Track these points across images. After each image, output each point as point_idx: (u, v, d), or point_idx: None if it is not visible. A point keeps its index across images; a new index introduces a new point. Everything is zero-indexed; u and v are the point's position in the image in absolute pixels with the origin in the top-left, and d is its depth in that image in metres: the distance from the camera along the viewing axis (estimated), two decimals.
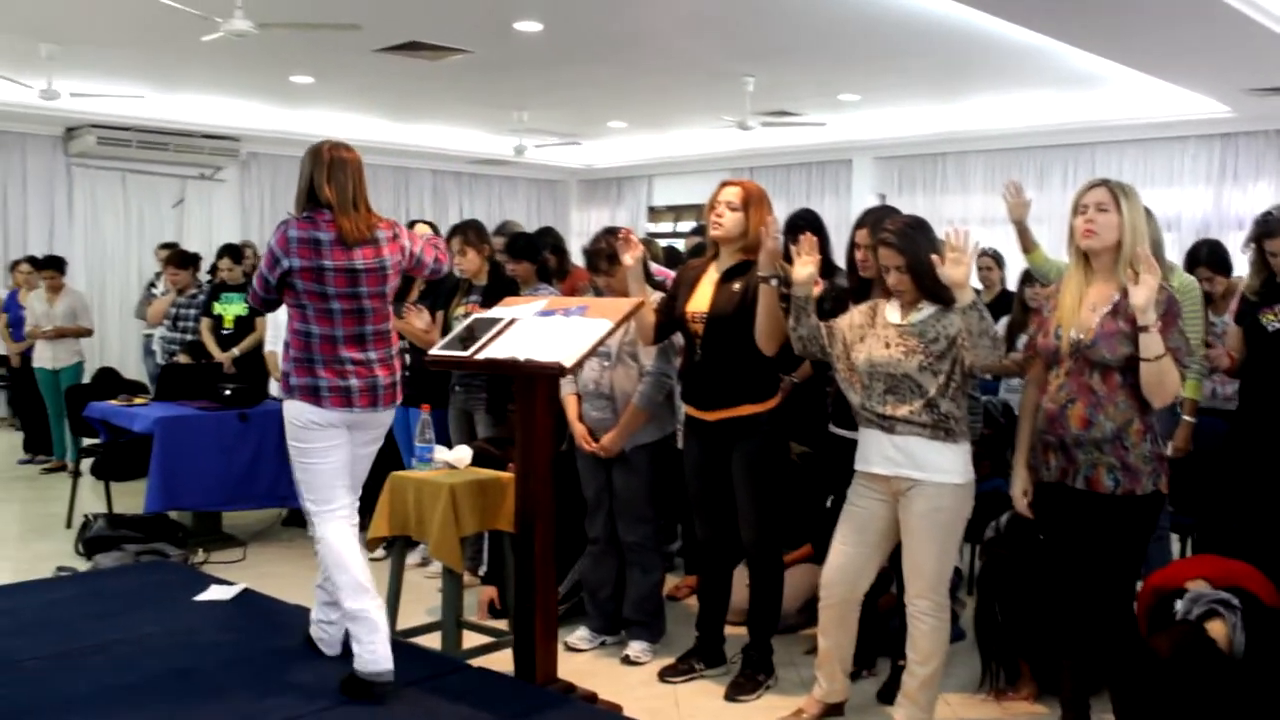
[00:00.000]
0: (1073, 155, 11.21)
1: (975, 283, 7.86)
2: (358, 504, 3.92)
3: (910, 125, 11.64)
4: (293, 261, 3.67)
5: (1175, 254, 9.36)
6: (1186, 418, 4.81)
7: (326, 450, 3.77)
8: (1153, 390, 3.38)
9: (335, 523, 3.78)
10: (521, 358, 3.81)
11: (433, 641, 4.42)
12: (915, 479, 3.65)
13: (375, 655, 3.61)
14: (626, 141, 13.69)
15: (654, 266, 5.84)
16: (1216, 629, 3.41)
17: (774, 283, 3.97)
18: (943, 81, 9.60)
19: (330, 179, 3.69)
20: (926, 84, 9.73)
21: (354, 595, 3.66)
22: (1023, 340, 5.40)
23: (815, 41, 8.14)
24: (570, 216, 15.98)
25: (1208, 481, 4.65)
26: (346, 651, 3.85)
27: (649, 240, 7.87)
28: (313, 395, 3.73)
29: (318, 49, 8.51)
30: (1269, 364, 4.26)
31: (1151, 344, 3.32)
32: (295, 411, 3.75)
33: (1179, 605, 3.55)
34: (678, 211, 14.69)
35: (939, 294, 3.65)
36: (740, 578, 4.48)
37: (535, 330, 3.97)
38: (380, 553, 5.63)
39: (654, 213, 15.30)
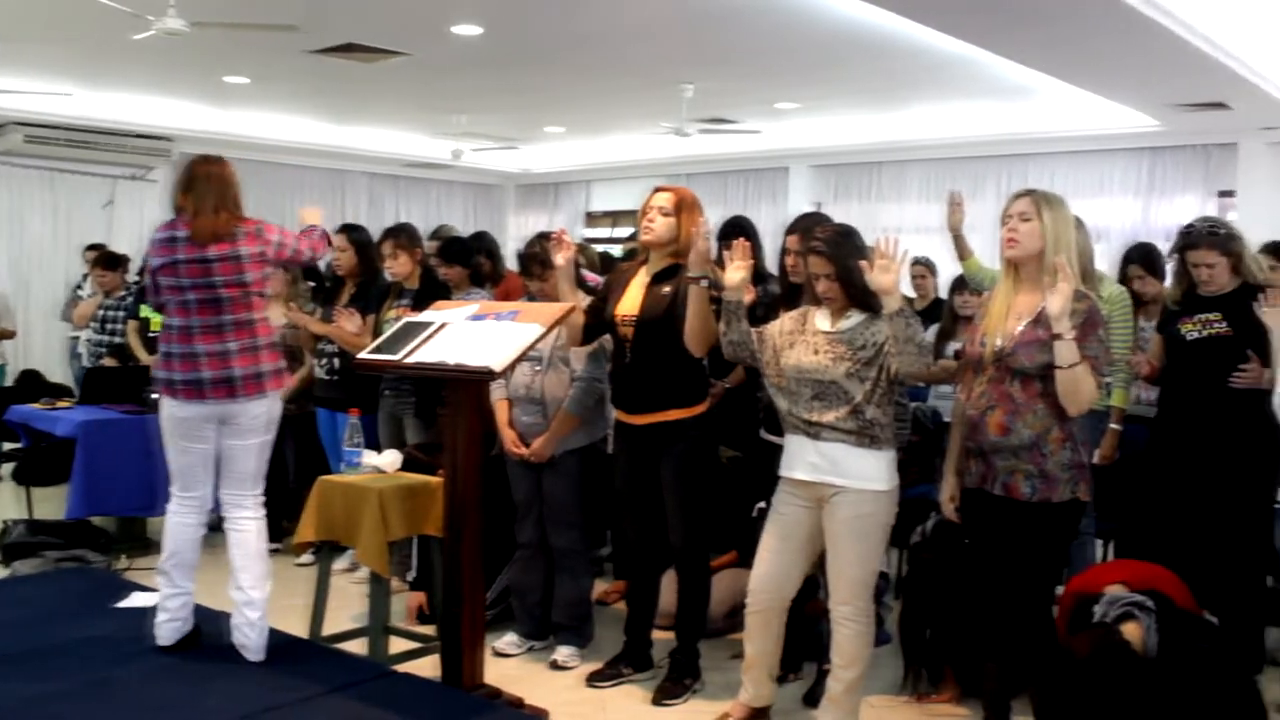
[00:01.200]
0: (1006, 166, 11.35)
1: (909, 291, 8.00)
2: (258, 498, 4.10)
3: (846, 134, 11.72)
4: (153, 261, 3.94)
5: (1104, 264, 9.56)
6: (1114, 426, 4.89)
7: (188, 443, 3.96)
8: (1067, 398, 3.44)
9: (182, 511, 4.02)
10: (451, 362, 3.80)
11: (359, 647, 4.37)
12: (839, 485, 3.68)
13: (159, 632, 3.99)
14: (564, 146, 13.67)
15: (585, 272, 5.84)
16: (1131, 630, 3.47)
17: (704, 283, 3.98)
18: (879, 91, 9.69)
19: (189, 190, 3.94)
20: (863, 93, 9.81)
21: (158, 572, 4.00)
22: (951, 348, 5.49)
23: (753, 50, 8.17)
24: (507, 221, 15.92)
25: (1129, 487, 4.72)
26: (271, 659, 3.83)
27: (584, 246, 7.87)
28: (169, 388, 3.92)
29: (252, 49, 8.42)
30: (1187, 373, 4.34)
31: (1065, 352, 3.38)
32: (161, 405, 3.97)
33: (1097, 608, 3.60)
34: (615, 217, 14.69)
35: (868, 301, 3.69)
36: (669, 582, 4.49)
37: (465, 334, 3.96)
38: (308, 558, 5.57)
39: (591, 218, 15.30)
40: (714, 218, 5.06)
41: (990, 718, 3.76)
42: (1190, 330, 4.33)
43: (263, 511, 4.10)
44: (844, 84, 9.39)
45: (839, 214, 10.27)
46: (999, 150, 11.32)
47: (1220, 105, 8.93)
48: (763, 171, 13.35)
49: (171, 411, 3.93)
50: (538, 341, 3.91)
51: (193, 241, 3.88)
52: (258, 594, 3.97)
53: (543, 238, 4.69)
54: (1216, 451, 4.21)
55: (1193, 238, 4.34)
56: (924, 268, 7.91)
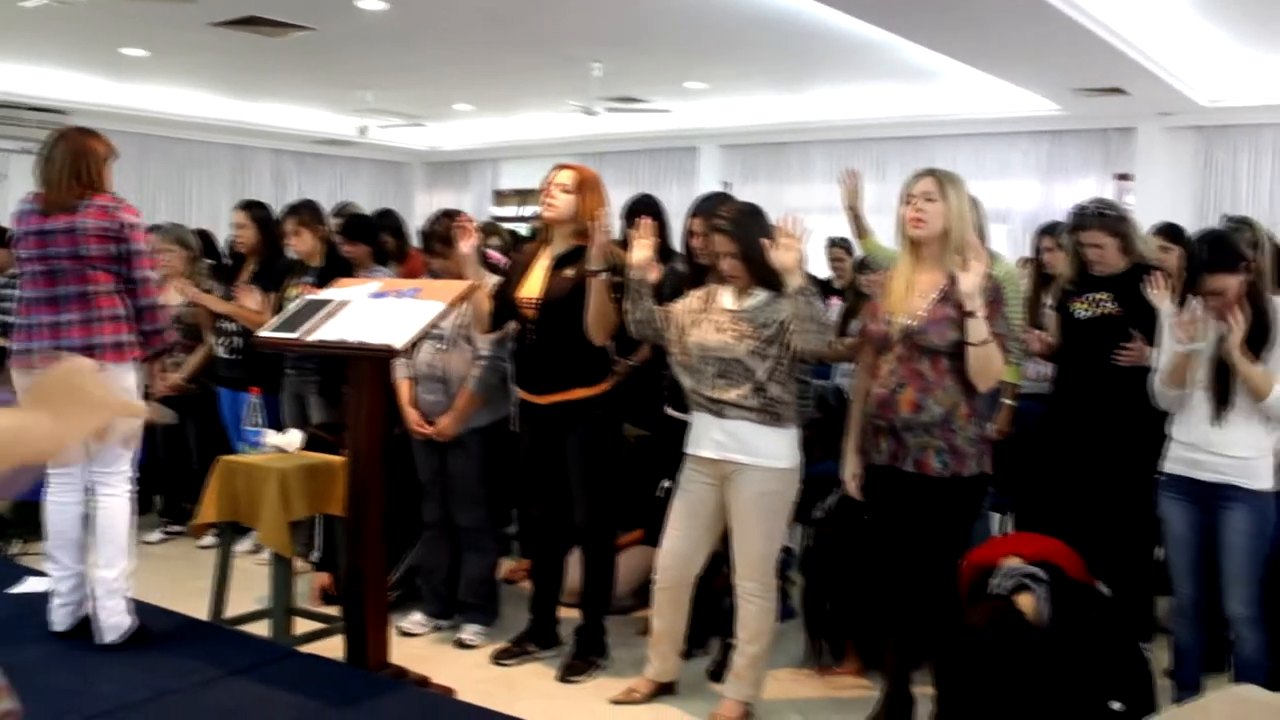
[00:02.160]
0: (910, 148, 11.51)
1: (828, 271, 8.06)
2: (123, 476, 4.02)
3: (755, 114, 11.80)
4: (14, 232, 3.97)
5: (1007, 246, 9.75)
6: (1007, 401, 4.98)
7: None
8: (978, 374, 3.51)
9: (58, 490, 4.03)
10: (352, 340, 3.77)
11: (263, 629, 4.33)
12: (742, 463, 3.71)
13: (53, 617, 3.99)
14: (473, 124, 13.58)
15: (490, 252, 5.82)
16: (1025, 602, 3.56)
17: (604, 276, 3.99)
18: (787, 72, 9.76)
19: (45, 161, 3.95)
20: (771, 74, 9.88)
21: (45, 557, 4.04)
22: (857, 326, 5.55)
23: (662, 29, 8.19)
24: (415, 199, 15.77)
25: (1025, 462, 4.83)
26: (170, 642, 3.79)
27: (495, 227, 7.83)
28: (14, 359, 3.93)
29: (150, 21, 8.22)
30: (1080, 351, 4.44)
31: (977, 329, 3.45)
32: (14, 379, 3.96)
33: (992, 580, 3.69)
34: (524, 195, 14.61)
35: (771, 280, 3.72)
36: (575, 560, 4.50)
37: (367, 312, 3.93)
38: (210, 540, 5.49)
39: (500, 196, 15.22)
40: (623, 197, 5.09)
41: (891, 689, 3.83)
42: (1081, 309, 4.44)
43: (126, 489, 4.02)
44: (753, 64, 9.44)
45: (747, 194, 10.32)
46: (904, 132, 11.48)
47: (1118, 91, 9.15)
48: (672, 151, 13.39)
49: (18, 384, 3.87)
50: (440, 319, 3.89)
51: (39, 212, 3.90)
52: (108, 573, 3.93)
53: (446, 215, 4.65)
54: (1106, 428, 4.31)
55: (1083, 219, 4.44)
56: (842, 249, 7.98)
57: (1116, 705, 3.26)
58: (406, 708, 3.72)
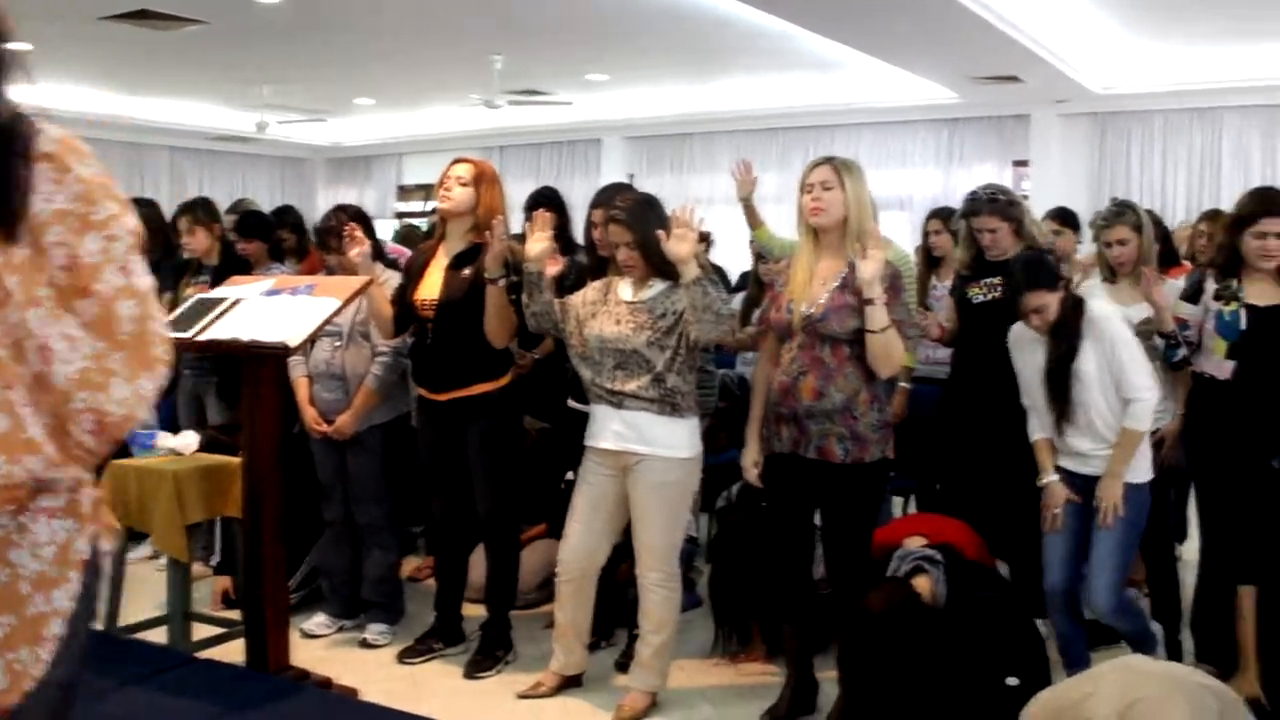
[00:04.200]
0: (813, 137, 11.62)
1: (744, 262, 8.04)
2: None
3: (658, 105, 11.83)
4: None
5: (909, 232, 9.87)
6: (903, 384, 5.04)
7: None
8: (879, 361, 3.55)
9: None
10: (245, 338, 3.70)
11: (160, 636, 4.24)
12: (642, 453, 3.72)
13: None
14: (375, 119, 13.43)
15: (390, 245, 5.76)
16: (922, 584, 3.62)
17: (501, 283, 3.97)
18: (689, 63, 9.78)
19: None
20: (673, 65, 9.89)
21: None
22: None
23: (563, 20, 8.16)
24: (317, 196, 15.54)
25: (926, 446, 4.89)
26: None
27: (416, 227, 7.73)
28: None
29: (35, 13, 7.97)
30: (977, 335, 4.51)
31: (877, 316, 3.48)
32: None
33: (890, 564, 3.74)
34: (428, 190, 14.46)
35: (668, 270, 3.72)
36: (479, 556, 4.47)
37: (261, 310, 3.86)
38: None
39: (404, 191, 15.07)
40: (527, 191, 5.07)
41: (794, 675, 3.87)
42: (977, 294, 4.50)
43: None
44: (655, 55, 9.45)
45: (652, 185, 10.35)
46: (807, 121, 11.59)
47: (1014, 79, 9.31)
48: (576, 144, 13.37)
49: None
50: (335, 315, 3.84)
51: None
52: None
53: (341, 210, 4.59)
54: (1004, 409, 4.38)
55: (975, 204, 4.51)
56: None
57: (1012, 680, 3.32)
58: (308, 710, 3.66)
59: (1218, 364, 4.04)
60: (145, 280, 1.68)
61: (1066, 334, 3.75)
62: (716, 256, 8.78)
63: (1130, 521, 3.72)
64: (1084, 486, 3.81)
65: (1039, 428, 3.92)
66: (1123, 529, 3.71)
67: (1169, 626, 4.25)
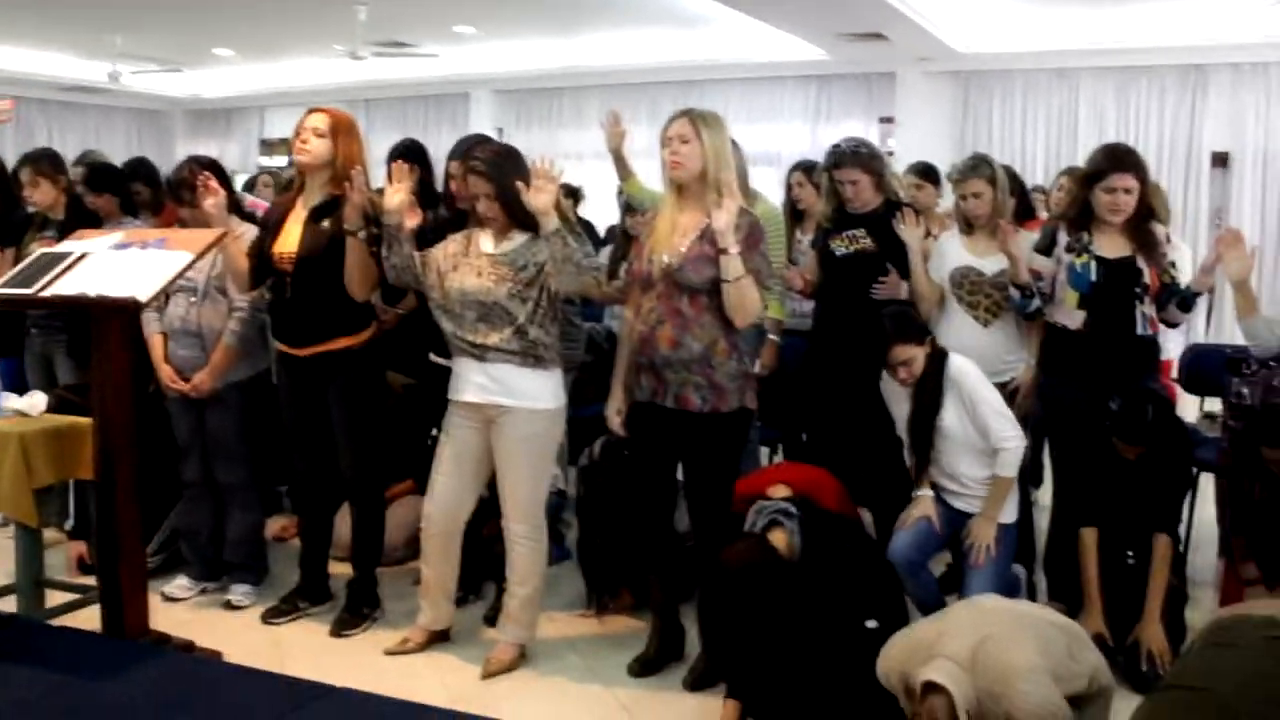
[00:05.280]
0: (683, 92, 11.61)
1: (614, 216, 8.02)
2: None
3: (527, 60, 11.71)
4: None
5: (778, 187, 9.96)
6: (772, 337, 5.10)
7: None
8: (734, 310, 3.58)
9: None
10: (92, 293, 3.55)
11: (10, 605, 4.09)
12: (506, 405, 3.71)
13: None
14: (236, 71, 13.05)
15: (247, 198, 5.60)
16: (778, 537, 3.68)
17: (361, 235, 3.90)
18: (556, 17, 9.70)
19: None
20: (541, 18, 9.80)
21: None
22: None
23: None
24: (176, 149, 15.04)
25: (791, 396, 4.96)
26: None
27: (276, 172, 7.52)
28: None
29: None
30: (839, 287, 4.57)
31: (731, 266, 3.51)
32: None
33: (748, 518, 3.79)
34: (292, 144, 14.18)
35: (529, 222, 3.69)
36: (345, 514, 4.41)
37: (109, 264, 3.71)
38: None
39: (267, 145, 14.70)
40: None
41: (660, 626, 3.92)
42: (839, 246, 4.56)
43: None
44: (523, 8, 9.36)
45: (521, 140, 10.28)
46: (677, 76, 11.59)
47: (880, 37, 9.43)
48: (443, 98, 13.18)
49: None
50: (187, 269, 3.71)
51: None
52: None
53: (195, 162, 4.45)
54: (865, 361, 4.45)
55: (838, 157, 4.56)
56: None
57: (871, 623, 3.39)
58: (169, 674, 3.57)
59: (1069, 314, 4.17)
60: None
61: (929, 389, 3.92)
62: (586, 211, 8.78)
63: (1002, 559, 3.89)
64: (956, 519, 4.01)
65: None
66: (992, 570, 3.88)
67: (1026, 568, 4.39)
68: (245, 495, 4.52)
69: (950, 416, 3.91)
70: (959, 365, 3.94)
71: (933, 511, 3.98)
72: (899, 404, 4.06)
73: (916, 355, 3.89)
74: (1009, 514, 3.97)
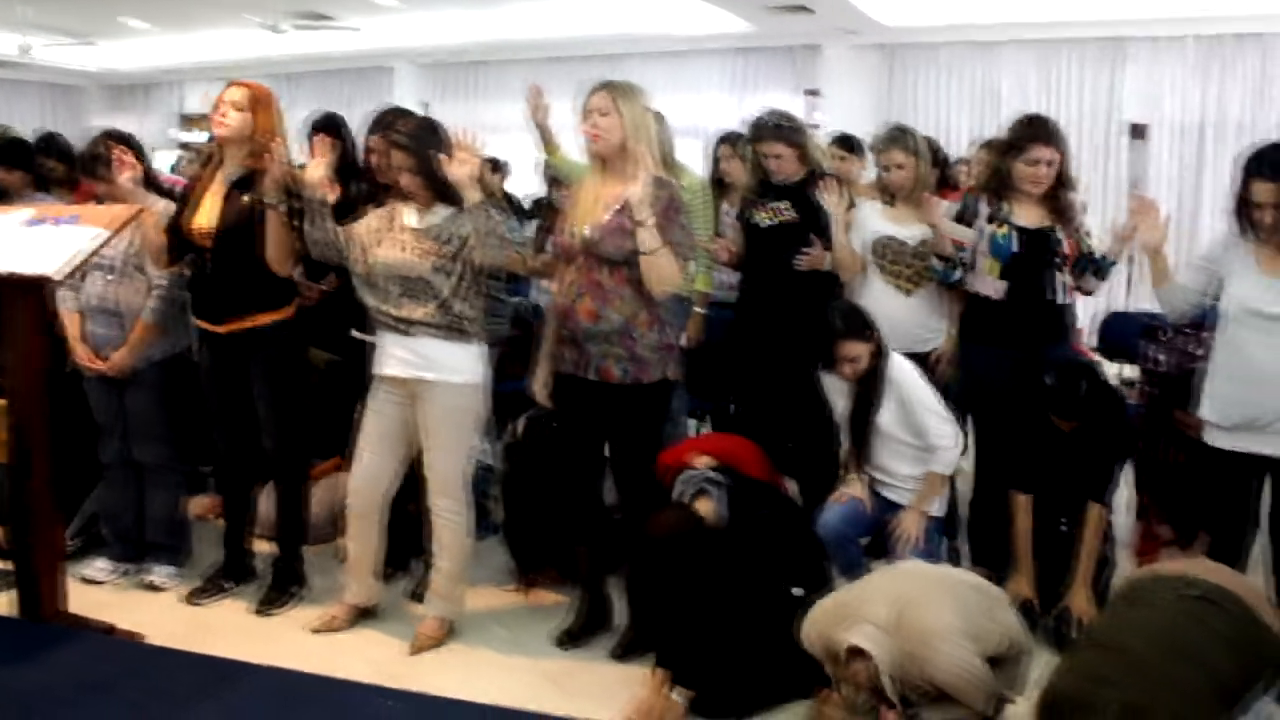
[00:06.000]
0: (608, 65, 11.52)
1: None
2: None
3: (450, 33, 11.58)
4: None
5: (702, 160, 9.97)
6: (698, 309, 5.12)
7: None
8: (652, 282, 3.59)
9: None
10: (2, 269, 3.49)
11: None
12: (430, 380, 3.70)
13: None
14: (151, 44, 12.76)
15: (165, 175, 5.50)
16: (704, 506, 3.70)
17: (281, 208, 3.85)
18: None
19: None
20: None
21: None
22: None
23: None
24: (92, 124, 14.75)
25: (719, 368, 4.98)
26: None
27: (199, 148, 7.36)
28: None
29: None
30: (763, 258, 4.59)
31: (648, 238, 3.51)
32: None
33: (675, 488, 3.81)
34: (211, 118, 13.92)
35: (451, 196, 3.67)
36: (270, 492, 4.37)
37: (20, 240, 3.66)
38: None
39: (188, 121, 14.43)
40: None
41: (586, 596, 3.93)
42: (763, 218, 4.58)
43: None
44: None
45: (446, 114, 10.11)
46: (602, 50, 11.52)
47: (803, 9, 9.45)
48: (367, 71, 13.02)
49: None
50: (103, 246, 3.65)
51: None
52: None
53: (108, 136, 4.35)
54: (789, 330, 4.48)
55: (761, 130, 4.57)
56: None
57: (797, 590, 3.43)
58: (87, 657, 3.54)
59: (990, 284, 4.23)
60: None
61: (870, 387, 3.95)
62: (512, 185, 8.73)
63: (926, 554, 3.90)
64: (882, 501, 4.05)
65: None
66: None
67: (949, 534, 4.46)
68: (167, 475, 4.44)
69: (888, 415, 3.95)
70: (898, 364, 3.98)
71: (865, 493, 4.02)
72: (838, 397, 4.09)
73: (863, 353, 3.91)
74: (938, 508, 4.01)
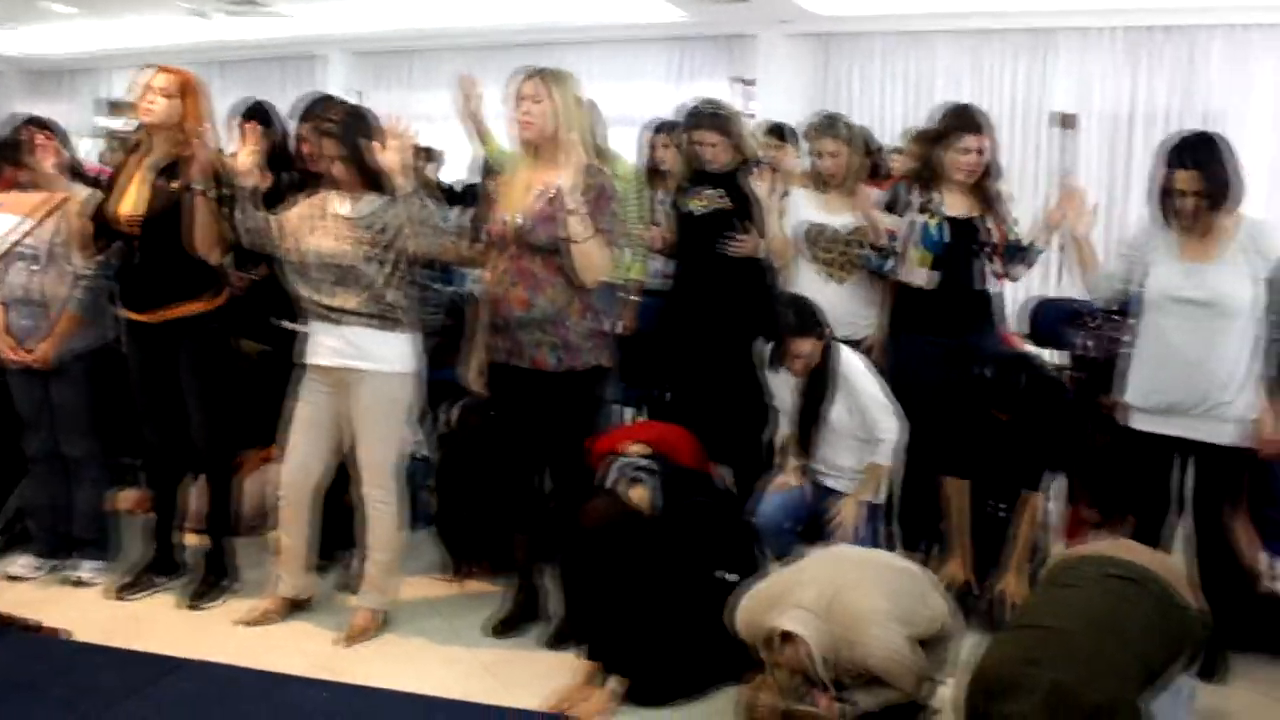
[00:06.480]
0: (543, 54, 11.36)
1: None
2: None
3: (382, 21, 11.46)
4: None
5: (636, 149, 9.97)
6: (632, 297, 5.12)
7: None
8: (581, 270, 3.60)
9: None
10: None
11: None
12: (361, 369, 3.69)
13: None
14: (74, 28, 12.48)
15: (91, 164, 5.40)
16: (638, 494, 3.72)
17: (211, 195, 3.80)
18: None
19: None
20: None
21: None
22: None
23: None
24: (13, 111, 14.42)
25: (653, 356, 4.99)
26: None
27: (125, 136, 7.21)
28: None
29: None
30: (696, 245, 4.61)
31: (577, 226, 3.52)
32: None
33: (608, 476, 3.82)
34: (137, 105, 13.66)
35: (381, 184, 3.65)
36: (201, 485, 4.31)
37: None
38: None
39: (114, 108, 14.15)
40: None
41: (523, 584, 3.94)
42: (697, 205, 4.59)
43: None
44: None
45: (379, 103, 10.02)
46: (536, 38, 11.45)
47: None
48: (298, 59, 12.83)
49: None
50: (24, 236, 3.58)
51: None
52: None
53: (30, 122, 4.28)
54: (721, 318, 4.50)
55: (695, 119, 4.59)
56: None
57: (730, 576, 3.45)
58: (12, 655, 3.51)
59: (920, 273, 4.28)
60: None
61: (820, 381, 4.00)
62: (445, 174, 8.68)
63: (863, 541, 3.94)
64: (821, 490, 4.11)
65: None
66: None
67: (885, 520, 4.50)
68: (93, 469, 4.38)
69: (839, 409, 4.00)
70: (846, 357, 4.02)
71: (804, 480, 4.04)
72: (784, 392, 4.12)
73: (814, 348, 3.96)
74: (878, 495, 4.05)
